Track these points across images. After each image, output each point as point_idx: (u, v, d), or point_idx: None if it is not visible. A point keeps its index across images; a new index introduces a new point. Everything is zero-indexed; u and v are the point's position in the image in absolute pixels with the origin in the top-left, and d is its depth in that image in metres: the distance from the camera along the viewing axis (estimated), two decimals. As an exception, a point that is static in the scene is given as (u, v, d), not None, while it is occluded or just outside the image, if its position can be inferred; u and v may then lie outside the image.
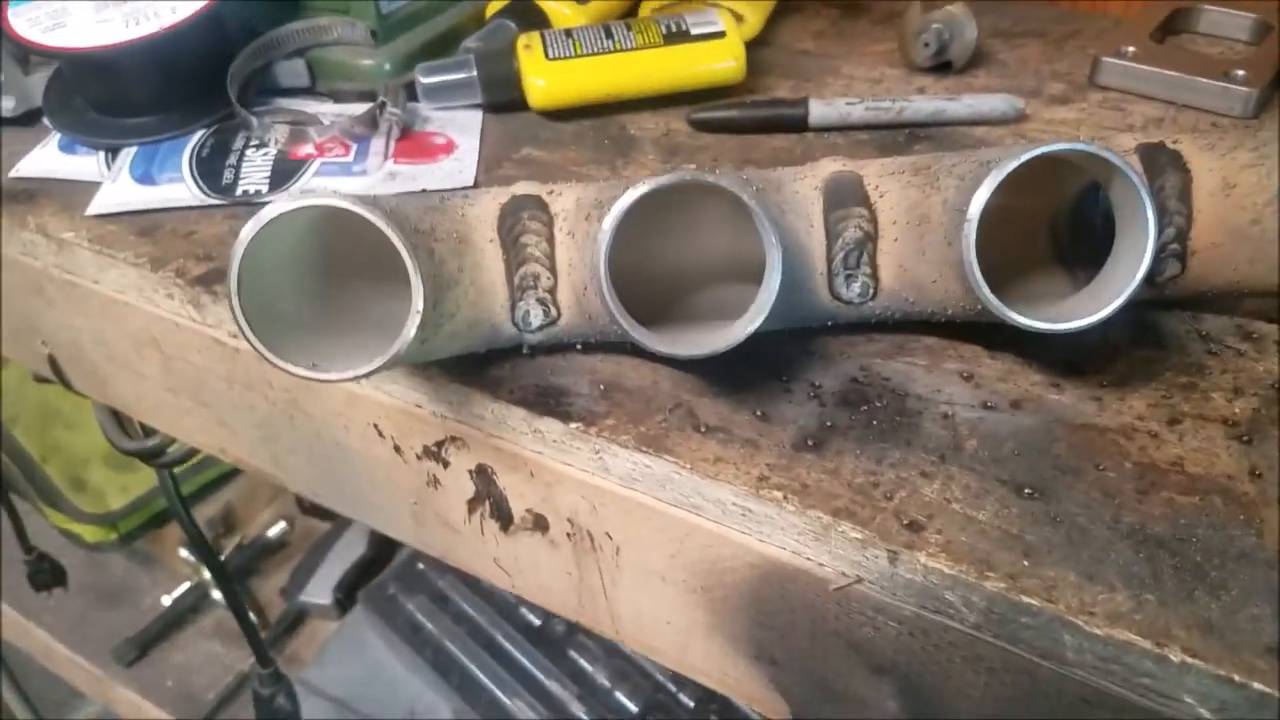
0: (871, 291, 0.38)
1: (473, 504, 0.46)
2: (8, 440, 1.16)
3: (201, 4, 0.55)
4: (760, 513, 0.35)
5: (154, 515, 1.21)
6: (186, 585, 1.18)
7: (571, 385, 0.40)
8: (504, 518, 0.45)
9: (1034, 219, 0.43)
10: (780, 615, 0.38)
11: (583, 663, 1.00)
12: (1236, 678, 0.27)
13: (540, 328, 0.39)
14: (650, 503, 0.38)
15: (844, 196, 0.38)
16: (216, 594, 1.16)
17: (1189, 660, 0.28)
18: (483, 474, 0.44)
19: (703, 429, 0.38)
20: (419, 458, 0.46)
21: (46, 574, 1.12)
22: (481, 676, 1.00)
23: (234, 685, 1.10)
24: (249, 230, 0.33)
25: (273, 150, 0.56)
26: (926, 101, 0.55)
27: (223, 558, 1.20)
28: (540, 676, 0.99)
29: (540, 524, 0.43)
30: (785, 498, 0.34)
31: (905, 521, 0.33)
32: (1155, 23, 0.63)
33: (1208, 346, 0.39)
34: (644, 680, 0.97)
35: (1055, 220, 0.43)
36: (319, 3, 0.60)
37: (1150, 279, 0.38)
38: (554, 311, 0.39)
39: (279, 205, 0.33)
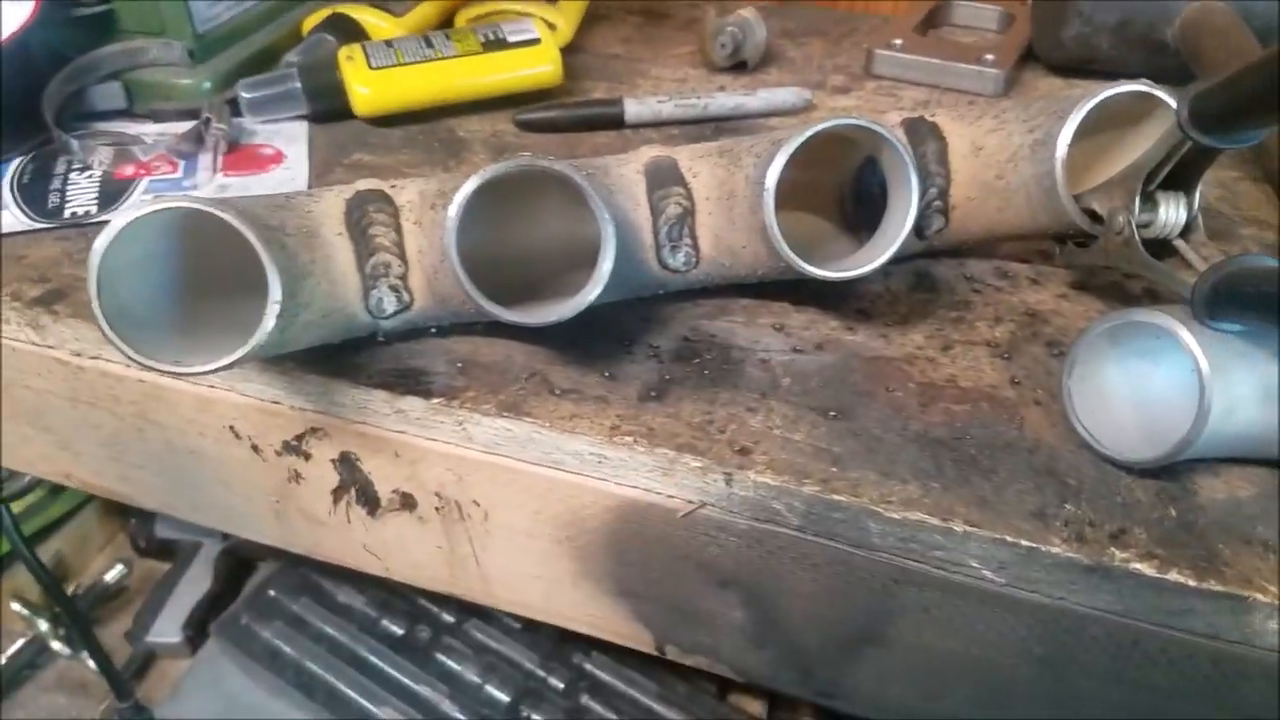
0: (694, 259, 0.43)
1: (338, 493, 0.48)
2: None
3: (6, 34, 0.54)
4: (614, 457, 0.39)
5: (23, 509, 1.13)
6: (21, 641, 1.11)
7: (429, 365, 0.43)
8: (370, 502, 0.47)
9: (823, 194, 0.49)
10: (637, 550, 0.42)
11: (450, 664, 1.01)
12: (1009, 538, 0.34)
13: (395, 313, 0.42)
14: (514, 465, 0.42)
15: (663, 178, 0.43)
16: (56, 645, 1.10)
17: (970, 529, 0.34)
18: (346, 461, 0.46)
19: (557, 392, 0.42)
20: (279, 454, 0.47)
21: None
22: (347, 690, 1.00)
23: (85, 740, 1.05)
24: (106, 236, 0.35)
25: (98, 172, 0.56)
26: (728, 97, 0.61)
27: (56, 610, 1.14)
28: (409, 682, 1.00)
29: (408, 502, 0.46)
30: (635, 441, 0.39)
31: (737, 448, 0.38)
32: (918, 18, 0.72)
33: (972, 286, 0.47)
34: (513, 670, 1.00)
35: (841, 194, 0.49)
36: (132, 25, 0.60)
37: (920, 233, 0.45)
38: (407, 296, 0.42)
39: (135, 210, 0.35)
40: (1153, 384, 0.36)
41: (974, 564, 0.35)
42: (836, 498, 0.35)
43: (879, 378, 0.41)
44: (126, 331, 0.36)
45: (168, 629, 1.14)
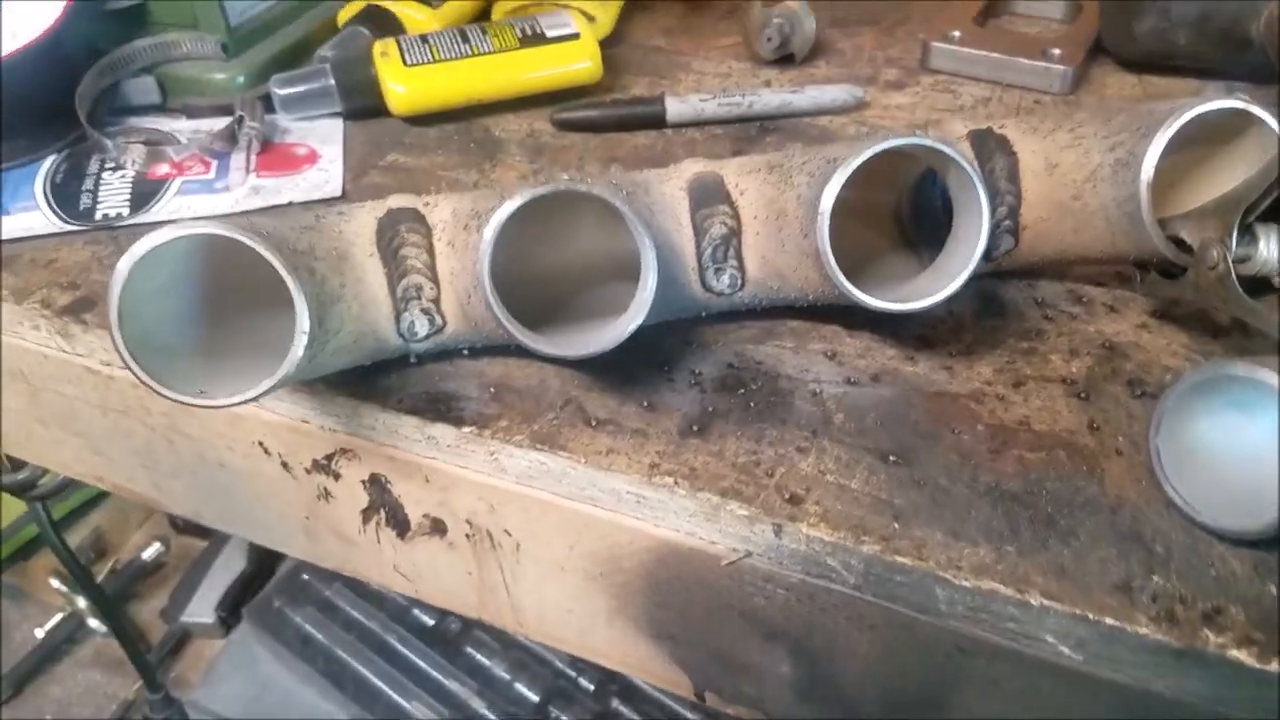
0: (739, 282, 0.41)
1: (367, 514, 0.46)
2: None
3: (40, 30, 0.52)
4: (653, 499, 0.37)
5: (18, 548, 1.16)
6: (60, 616, 1.13)
7: (461, 389, 0.41)
8: (400, 525, 0.45)
9: (879, 206, 0.46)
10: (677, 593, 0.40)
11: (480, 658, 1.00)
12: (1090, 615, 0.31)
13: (426, 337, 0.40)
14: (547, 498, 0.40)
15: (708, 196, 0.40)
16: (93, 622, 1.11)
17: (1047, 603, 0.31)
18: (376, 483, 0.44)
19: (593, 423, 0.39)
20: (308, 472, 0.46)
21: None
22: (377, 681, 1.00)
23: (118, 714, 1.06)
24: (125, 263, 0.33)
25: (130, 171, 0.54)
26: (774, 95, 0.58)
27: (97, 582, 1.16)
28: (437, 676, 0.99)
29: (438, 528, 0.44)
30: (676, 483, 0.36)
31: (786, 495, 0.35)
32: (977, 7, 0.67)
33: (1044, 312, 0.43)
34: (543, 669, 0.99)
35: (899, 205, 0.46)
36: (165, 18, 0.58)
37: (988, 255, 0.42)
38: (439, 320, 0.40)
39: (155, 236, 0.33)
40: (1248, 440, 0.33)
41: (1050, 639, 0.32)
42: (900, 559, 0.33)
43: (943, 417, 0.38)
44: (150, 359, 0.34)
45: (201, 610, 1.14)
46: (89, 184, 0.53)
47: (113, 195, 0.52)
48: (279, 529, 0.51)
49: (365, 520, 0.46)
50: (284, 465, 0.46)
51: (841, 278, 0.36)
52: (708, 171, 0.41)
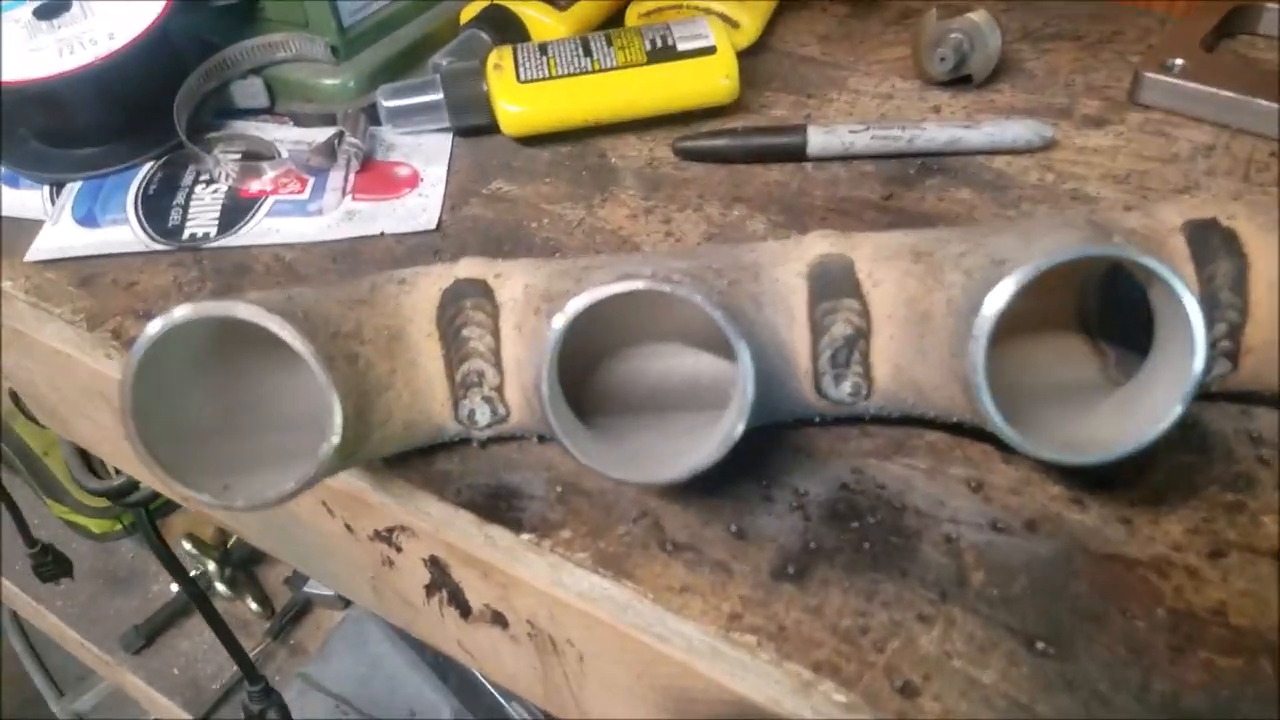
0: (864, 391, 0.33)
1: (430, 589, 0.42)
2: (9, 435, 1.14)
3: (142, 28, 0.49)
4: (732, 656, 0.31)
5: (161, 505, 1.20)
6: (191, 574, 1.17)
7: (526, 484, 0.36)
8: (462, 607, 0.41)
9: (1056, 292, 0.37)
10: (758, 754, 0.33)
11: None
12: None
13: (488, 425, 0.35)
14: (612, 622, 0.34)
15: (832, 286, 0.33)
16: (220, 586, 1.14)
17: None
18: (436, 564, 0.40)
19: (669, 547, 0.33)
20: (371, 539, 0.42)
21: (51, 566, 1.11)
22: (479, 677, 0.98)
23: (239, 675, 1.09)
24: (140, 347, 0.29)
25: (224, 187, 0.51)
26: (940, 129, 0.49)
27: (229, 545, 1.19)
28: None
29: (499, 620, 0.39)
30: (759, 643, 0.30)
31: (898, 684, 0.28)
32: (1209, 25, 0.56)
33: (1259, 452, 0.34)
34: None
35: (1083, 296, 0.37)
36: (276, 16, 0.54)
37: (1192, 380, 0.33)
38: (502, 410, 0.34)
39: (168, 318, 0.29)
40: None
41: None
42: (1029, 808, 0.25)
43: (1114, 592, 0.30)
44: (175, 445, 0.31)
45: (323, 581, 1.16)
46: (180, 198, 0.50)
47: (203, 212, 0.49)
48: (349, 581, 0.48)
49: (428, 594, 0.42)
50: (348, 527, 0.43)
51: (1000, 419, 0.28)
52: (835, 255, 0.33)
